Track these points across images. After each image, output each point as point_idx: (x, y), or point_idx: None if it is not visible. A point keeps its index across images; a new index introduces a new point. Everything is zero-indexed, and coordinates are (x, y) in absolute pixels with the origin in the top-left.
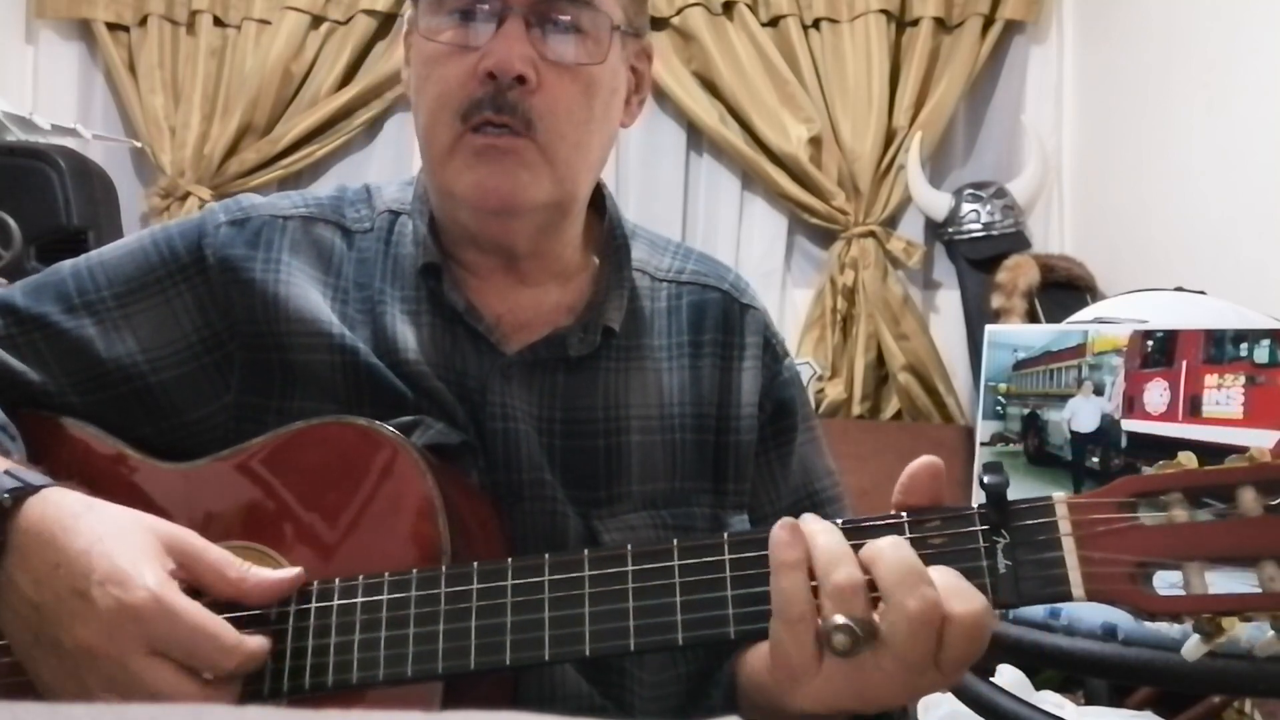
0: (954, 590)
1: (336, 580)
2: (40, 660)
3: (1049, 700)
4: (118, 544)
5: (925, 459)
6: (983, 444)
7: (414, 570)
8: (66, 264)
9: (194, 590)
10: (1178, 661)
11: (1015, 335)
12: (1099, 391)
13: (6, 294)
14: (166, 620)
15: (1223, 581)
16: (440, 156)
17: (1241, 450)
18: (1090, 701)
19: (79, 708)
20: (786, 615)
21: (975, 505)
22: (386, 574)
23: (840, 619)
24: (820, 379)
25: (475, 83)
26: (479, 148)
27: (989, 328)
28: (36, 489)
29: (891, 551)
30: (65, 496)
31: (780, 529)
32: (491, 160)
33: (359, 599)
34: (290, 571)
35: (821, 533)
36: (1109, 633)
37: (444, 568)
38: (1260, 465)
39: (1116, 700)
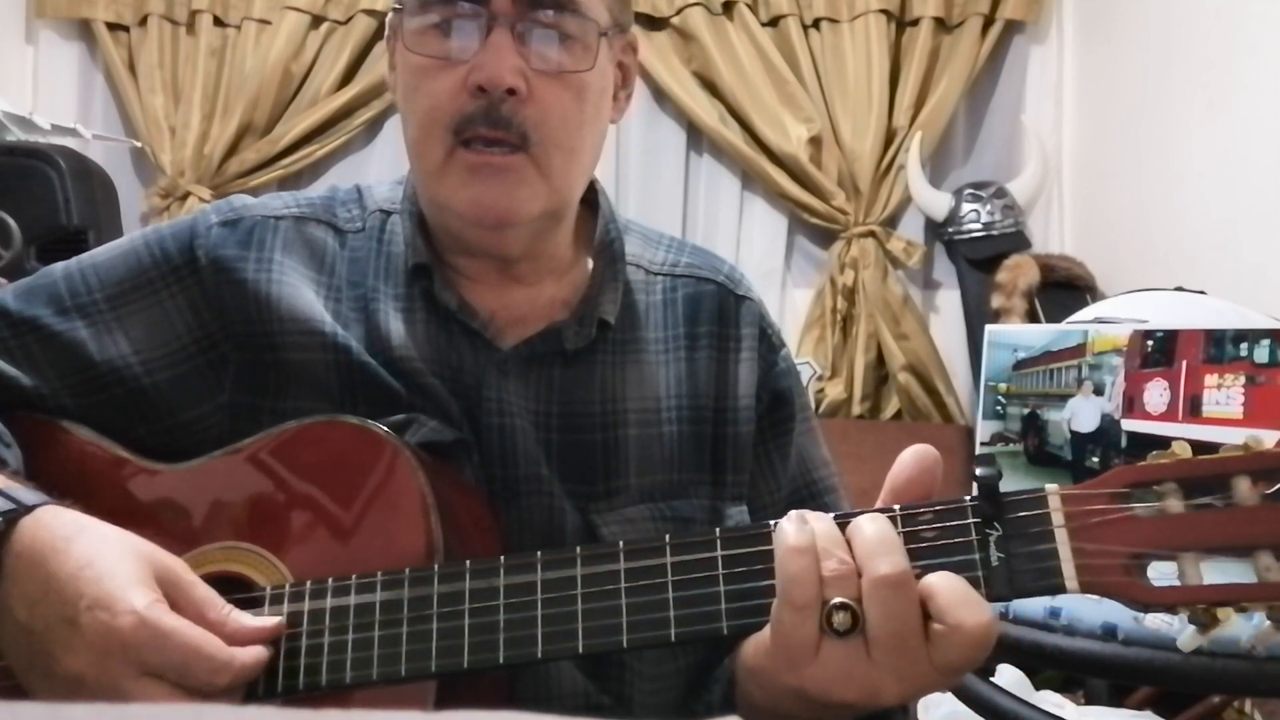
0: (962, 599)
1: (329, 580)
2: (35, 685)
3: (1049, 700)
4: (107, 568)
5: (915, 448)
6: (983, 444)
7: (406, 569)
8: (58, 266)
9: None
10: (1178, 661)
11: (1015, 335)
12: (1099, 391)
13: None
14: (155, 643)
15: (1218, 572)
16: (433, 171)
17: (1238, 444)
18: (1090, 701)
19: (79, 708)
20: (792, 599)
21: (968, 498)
22: (379, 573)
23: (840, 599)
24: (820, 379)
25: (466, 96)
26: (473, 165)
27: (989, 327)
28: (29, 509)
29: (868, 525)
30: (58, 517)
31: (787, 521)
32: (487, 177)
33: (352, 598)
34: (272, 620)
35: (817, 521)
36: (1109, 633)
37: (436, 566)
38: (1256, 454)
39: (1116, 700)
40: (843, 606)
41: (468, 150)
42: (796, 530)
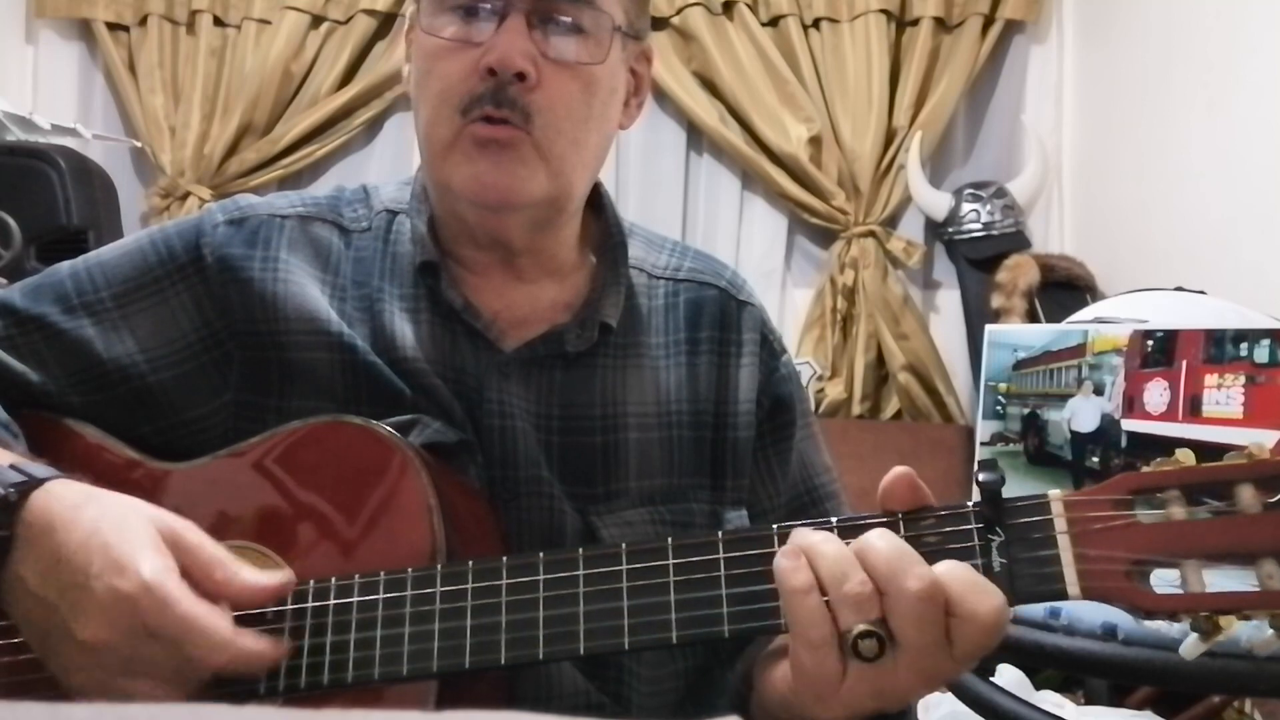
0: (971, 585)
1: (333, 579)
2: (55, 653)
3: (1049, 700)
4: (116, 534)
5: (897, 471)
6: (983, 444)
7: (409, 569)
8: (65, 265)
9: None
10: (1178, 661)
11: (1015, 335)
12: (1099, 391)
13: (5, 295)
14: (158, 609)
15: (1221, 579)
16: (440, 151)
17: (1241, 450)
18: (1090, 701)
19: (79, 708)
20: (808, 639)
21: (970, 503)
22: (382, 573)
23: (863, 625)
24: (820, 379)
25: (476, 78)
26: (480, 138)
27: (989, 327)
28: (40, 481)
29: (880, 541)
30: (67, 488)
31: (783, 557)
32: (491, 153)
33: (355, 598)
34: (278, 576)
35: (822, 542)
36: (1109, 633)
37: (439, 566)
38: (1259, 462)
39: (1116, 700)
40: (868, 634)
41: (475, 125)
42: (794, 569)
